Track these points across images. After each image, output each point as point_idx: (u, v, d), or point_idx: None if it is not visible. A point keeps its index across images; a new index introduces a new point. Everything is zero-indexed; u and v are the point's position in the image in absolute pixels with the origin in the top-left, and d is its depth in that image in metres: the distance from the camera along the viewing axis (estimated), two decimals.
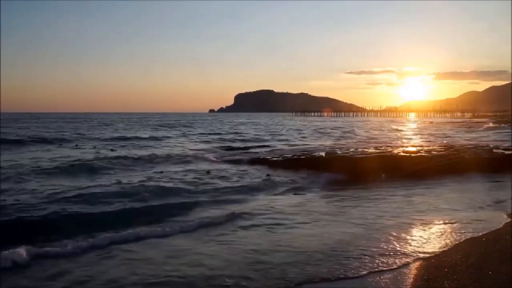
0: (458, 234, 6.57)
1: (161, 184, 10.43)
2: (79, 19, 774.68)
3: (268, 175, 12.14)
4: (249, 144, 22.49)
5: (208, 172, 12.44)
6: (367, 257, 5.48)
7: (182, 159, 15.73)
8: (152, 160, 15.36)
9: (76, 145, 21.68)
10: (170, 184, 10.46)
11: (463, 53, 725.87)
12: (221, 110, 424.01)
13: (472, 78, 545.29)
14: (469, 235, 6.43)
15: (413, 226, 7.02)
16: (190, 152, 18.11)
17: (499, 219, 7.35)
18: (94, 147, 20.30)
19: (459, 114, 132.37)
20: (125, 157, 15.50)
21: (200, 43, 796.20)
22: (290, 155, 15.44)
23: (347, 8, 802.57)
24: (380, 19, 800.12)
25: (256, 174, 12.33)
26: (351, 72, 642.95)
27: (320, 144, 21.99)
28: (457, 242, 6.11)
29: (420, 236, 6.49)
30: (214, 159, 15.90)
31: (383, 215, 7.75)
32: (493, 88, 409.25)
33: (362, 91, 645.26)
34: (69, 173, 11.87)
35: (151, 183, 10.52)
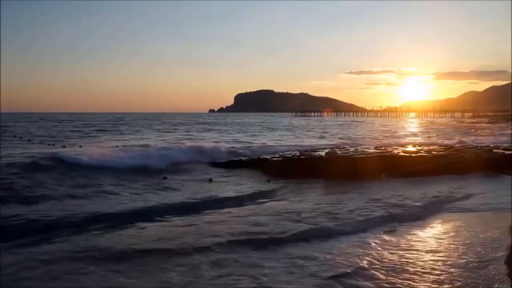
0: (458, 234, 6.60)
1: None
2: (79, 19, 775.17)
3: None
4: None
5: None
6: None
7: None
8: None
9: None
10: None
11: (463, 53, 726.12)
12: (221, 110, 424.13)
13: (471, 78, 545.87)
14: (468, 235, 6.45)
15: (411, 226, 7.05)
16: None
17: (499, 219, 7.36)
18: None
19: (459, 114, 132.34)
20: None
21: (200, 43, 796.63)
22: (291, 155, 15.42)
23: (347, 8, 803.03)
24: (379, 19, 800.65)
25: None
26: (350, 72, 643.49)
27: None
28: (456, 242, 6.13)
29: (419, 236, 6.52)
30: None
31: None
32: (493, 88, 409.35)
33: (362, 91, 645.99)
34: None
35: None
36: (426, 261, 5.28)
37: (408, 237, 6.35)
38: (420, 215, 7.60)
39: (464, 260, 5.25)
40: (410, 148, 16.76)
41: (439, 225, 7.17)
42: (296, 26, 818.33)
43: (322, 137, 31.33)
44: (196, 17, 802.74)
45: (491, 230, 6.57)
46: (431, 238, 6.31)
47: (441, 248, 5.82)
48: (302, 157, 14.73)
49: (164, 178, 11.66)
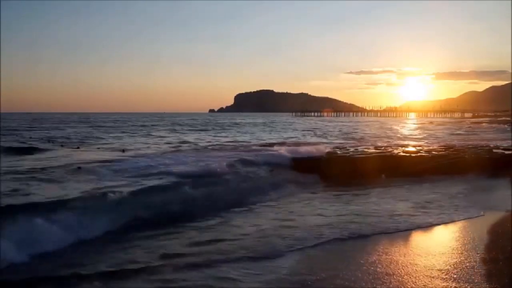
0: (458, 234, 6.61)
1: None
2: (80, 19, 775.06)
3: None
4: None
5: None
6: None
7: None
8: None
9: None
10: None
11: (463, 53, 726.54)
12: (221, 110, 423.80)
13: (471, 78, 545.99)
14: (468, 235, 6.46)
15: (410, 226, 7.05)
16: None
17: (499, 219, 7.36)
18: None
19: (459, 114, 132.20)
20: None
21: (200, 43, 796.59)
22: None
23: (347, 8, 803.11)
24: (379, 19, 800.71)
25: None
26: (350, 72, 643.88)
27: None
28: (456, 242, 6.14)
29: (419, 237, 6.52)
30: None
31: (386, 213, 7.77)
32: (493, 88, 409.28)
33: (362, 91, 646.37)
34: None
35: None
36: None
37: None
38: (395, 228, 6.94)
39: (443, 267, 5.26)
40: (410, 148, 16.75)
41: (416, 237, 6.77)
42: (296, 26, 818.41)
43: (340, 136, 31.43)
44: (196, 17, 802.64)
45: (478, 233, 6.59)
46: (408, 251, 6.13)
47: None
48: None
49: None
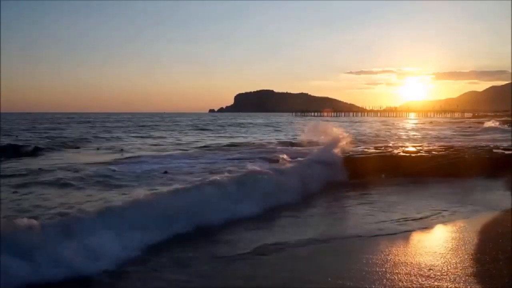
0: (458, 234, 6.62)
1: None
2: (80, 19, 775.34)
3: None
4: None
5: None
6: None
7: None
8: None
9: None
10: None
11: (463, 53, 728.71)
12: (221, 110, 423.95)
13: (471, 78, 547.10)
14: (468, 235, 6.47)
15: (412, 226, 7.06)
16: None
17: (498, 218, 7.37)
18: None
19: (459, 114, 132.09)
20: None
21: (200, 43, 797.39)
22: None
23: (346, 8, 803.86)
24: (379, 19, 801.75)
25: None
26: (350, 72, 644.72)
27: None
28: (456, 242, 6.15)
29: (419, 238, 6.53)
30: None
31: (383, 215, 7.78)
32: (493, 88, 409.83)
33: (362, 91, 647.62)
34: None
35: None
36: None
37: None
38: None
39: (443, 267, 5.26)
40: (410, 148, 16.74)
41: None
42: (296, 26, 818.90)
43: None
44: (196, 17, 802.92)
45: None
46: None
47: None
48: None
49: None
